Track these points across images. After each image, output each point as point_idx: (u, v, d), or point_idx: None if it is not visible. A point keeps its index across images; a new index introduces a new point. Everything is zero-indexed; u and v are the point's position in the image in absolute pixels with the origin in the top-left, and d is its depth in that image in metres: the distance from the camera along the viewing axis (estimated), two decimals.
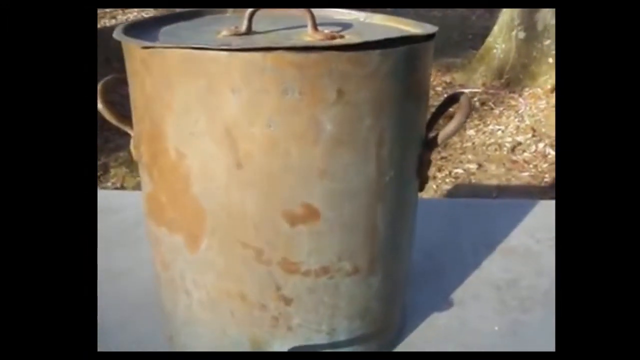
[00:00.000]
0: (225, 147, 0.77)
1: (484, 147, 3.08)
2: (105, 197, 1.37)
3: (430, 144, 0.88)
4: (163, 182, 0.81)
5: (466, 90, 3.95)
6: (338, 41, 0.78)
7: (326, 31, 0.81)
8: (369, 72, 0.75)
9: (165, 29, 0.86)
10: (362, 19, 0.95)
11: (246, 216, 0.78)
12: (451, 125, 0.85)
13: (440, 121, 0.92)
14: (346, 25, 0.89)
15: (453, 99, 0.88)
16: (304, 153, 0.77)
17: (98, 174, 2.79)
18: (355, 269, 0.84)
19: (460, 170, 2.95)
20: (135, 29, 0.81)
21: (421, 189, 0.90)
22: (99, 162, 2.88)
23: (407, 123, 0.82)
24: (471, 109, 0.82)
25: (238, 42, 0.76)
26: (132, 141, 0.85)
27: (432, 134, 0.88)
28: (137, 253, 1.16)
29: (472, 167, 3.13)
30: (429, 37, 0.77)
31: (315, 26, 0.81)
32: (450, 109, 0.91)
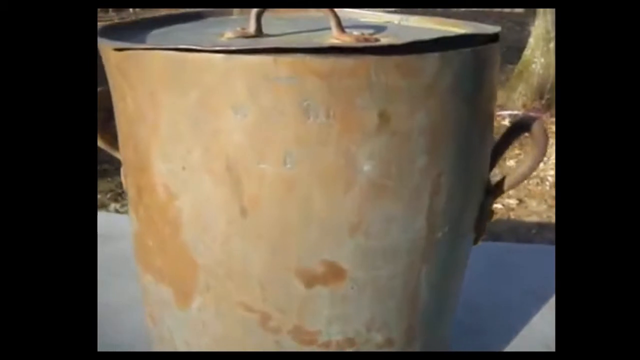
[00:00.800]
0: (226, 187, 0.63)
1: (525, 181, 2.77)
2: (107, 222, 1.28)
3: (494, 190, 0.74)
4: (149, 223, 0.68)
5: (504, 113, 3.63)
6: (381, 42, 0.61)
7: (356, 33, 0.66)
8: (424, 86, 0.58)
9: (157, 31, 0.72)
10: (396, 22, 0.79)
11: (250, 273, 0.64)
12: (525, 166, 0.69)
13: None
14: (379, 28, 0.74)
15: (521, 127, 0.70)
16: (332, 201, 0.62)
17: (112, 195, 2.63)
18: (388, 341, 0.69)
19: (499, 206, 2.81)
20: (120, 31, 0.59)
21: (476, 242, 0.75)
22: (112, 182, 2.73)
23: (471, 161, 0.67)
24: (547, 140, 0.69)
25: (242, 43, 0.61)
26: (122, 168, 0.73)
27: (496, 177, 0.73)
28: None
29: (512, 202, 2.91)
30: (494, 37, 0.62)
31: (341, 27, 0.65)
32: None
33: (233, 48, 0.53)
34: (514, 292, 1.10)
